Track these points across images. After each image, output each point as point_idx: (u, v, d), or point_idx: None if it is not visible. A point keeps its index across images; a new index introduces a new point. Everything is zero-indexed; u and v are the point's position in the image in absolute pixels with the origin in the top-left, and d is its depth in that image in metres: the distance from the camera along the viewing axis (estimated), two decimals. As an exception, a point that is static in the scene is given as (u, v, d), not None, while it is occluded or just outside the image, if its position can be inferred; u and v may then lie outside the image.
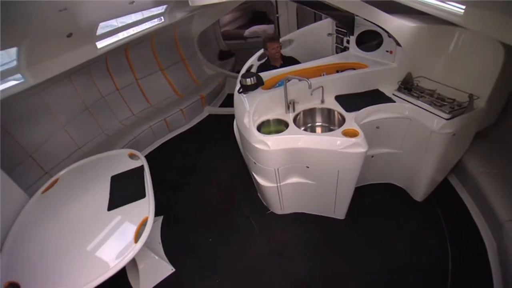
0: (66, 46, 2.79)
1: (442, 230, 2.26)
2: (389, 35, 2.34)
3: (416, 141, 2.24)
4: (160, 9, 3.81)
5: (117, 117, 3.94)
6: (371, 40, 2.64)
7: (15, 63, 2.45)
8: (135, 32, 3.72)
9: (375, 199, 2.59)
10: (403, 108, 2.21)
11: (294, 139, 2.01)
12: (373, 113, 2.22)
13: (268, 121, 2.32)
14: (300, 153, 2.03)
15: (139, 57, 4.17)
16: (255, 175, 2.40)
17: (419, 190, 2.50)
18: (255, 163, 2.25)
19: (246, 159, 2.54)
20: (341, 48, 3.19)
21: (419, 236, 2.27)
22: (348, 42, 2.94)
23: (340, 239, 2.35)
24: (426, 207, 2.49)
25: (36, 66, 2.58)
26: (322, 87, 2.25)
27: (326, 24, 3.28)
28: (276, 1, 4.86)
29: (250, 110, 2.18)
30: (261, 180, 2.33)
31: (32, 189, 2.72)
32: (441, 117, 2.01)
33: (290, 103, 2.28)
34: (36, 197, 2.19)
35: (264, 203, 2.74)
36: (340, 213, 2.45)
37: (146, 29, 3.83)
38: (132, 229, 1.70)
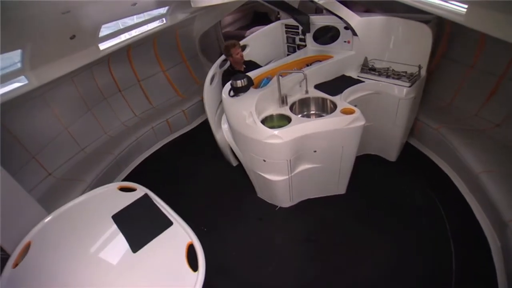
0: (69, 48, 2.81)
1: (445, 229, 2.26)
2: (346, 28, 2.78)
3: (387, 111, 2.67)
4: (162, 10, 3.82)
5: (119, 118, 3.95)
6: (323, 35, 3.07)
7: (18, 65, 2.47)
8: (137, 33, 3.74)
9: (361, 169, 2.70)
10: (373, 85, 2.63)
11: (303, 127, 2.15)
12: (352, 93, 2.56)
13: (270, 116, 2.41)
14: (309, 139, 2.17)
15: (141, 59, 4.19)
16: (263, 174, 2.42)
17: (393, 152, 3.00)
18: (264, 161, 2.29)
19: (249, 161, 2.53)
20: (293, 47, 3.52)
21: (423, 237, 2.26)
22: (300, 40, 3.39)
23: (351, 213, 2.54)
24: (401, 163, 3.01)
25: (40, 68, 2.60)
26: (305, 79, 2.43)
27: (276, 27, 3.52)
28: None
29: (252, 110, 2.20)
30: (271, 176, 2.38)
31: (36, 191, 2.74)
32: (404, 86, 2.51)
33: (283, 97, 2.42)
34: (6, 276, 1.46)
35: (269, 201, 2.75)
36: (342, 188, 2.69)
37: (148, 30, 3.84)
38: (180, 260, 1.42)
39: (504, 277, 1.85)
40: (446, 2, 2.30)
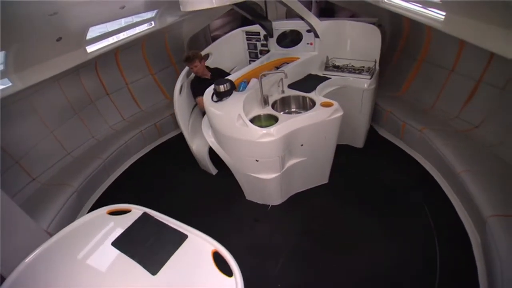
0: (56, 50, 2.76)
1: (430, 228, 2.33)
2: (308, 31, 3.05)
3: (353, 102, 2.94)
4: (151, 13, 3.81)
5: (107, 122, 3.89)
6: (286, 39, 3.33)
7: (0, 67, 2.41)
8: (125, 36, 3.71)
9: (336, 158, 2.79)
10: (339, 80, 2.94)
11: (291, 123, 2.27)
12: (323, 89, 2.79)
13: (258, 117, 2.49)
14: (297, 133, 2.30)
15: (130, 62, 4.15)
16: (255, 175, 2.46)
17: (360, 139, 3.29)
18: (257, 161, 2.34)
19: (239, 164, 2.54)
20: (255, 53, 3.72)
21: (409, 235, 2.34)
22: (262, 45, 3.61)
23: (337, 200, 2.73)
24: (369, 149, 3.33)
25: (25, 70, 2.54)
26: (282, 79, 2.65)
27: (236, 34, 3.69)
28: (266, 6, 4.94)
29: (241, 112, 2.24)
30: (264, 175, 2.44)
31: (19, 197, 2.66)
32: (366, 79, 2.86)
33: (265, 97, 2.54)
34: None
35: (260, 202, 2.78)
36: (325, 178, 2.88)
37: (137, 33, 3.82)
38: (211, 270, 1.32)
39: (484, 271, 1.93)
40: (426, 9, 2.42)
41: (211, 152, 2.94)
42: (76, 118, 3.48)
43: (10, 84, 2.46)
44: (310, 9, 6.24)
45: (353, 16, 6.21)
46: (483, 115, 2.78)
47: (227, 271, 1.28)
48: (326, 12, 6.29)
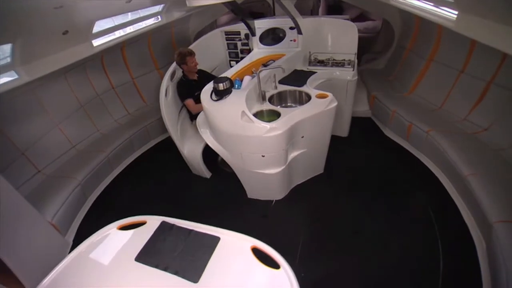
0: (62, 44, 2.77)
1: (434, 230, 2.30)
2: (291, 28, 3.17)
3: (339, 93, 3.04)
4: (157, 8, 3.80)
5: (113, 116, 3.91)
6: (268, 37, 3.41)
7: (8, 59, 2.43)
8: (131, 30, 3.70)
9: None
10: (325, 74, 3.10)
11: (293, 116, 2.34)
12: (312, 83, 2.89)
13: (260, 113, 2.55)
14: (299, 125, 2.38)
15: (136, 56, 4.15)
16: (260, 171, 2.47)
17: (345, 128, 3.48)
18: (263, 156, 2.36)
19: (243, 162, 2.52)
20: (235, 52, 3.79)
21: (412, 235, 2.31)
22: (243, 45, 3.70)
23: (335, 188, 2.86)
24: (353, 138, 3.53)
25: (31, 63, 2.55)
26: (275, 74, 2.77)
27: (215, 35, 3.71)
28: (273, 2, 4.89)
29: (245, 109, 2.23)
30: (269, 170, 2.48)
31: (24, 188, 2.70)
32: (349, 71, 3.07)
33: (263, 93, 2.60)
34: None
35: (263, 198, 2.78)
36: (321, 168, 3.00)
37: (143, 28, 3.81)
38: (256, 266, 1.26)
39: (488, 277, 1.90)
40: (438, 8, 2.36)
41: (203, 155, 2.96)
42: (81, 111, 3.51)
43: (17, 76, 2.48)
44: (318, 6, 6.17)
45: (360, 15, 6.10)
46: (493, 117, 2.72)
47: (272, 264, 1.25)
48: (335, 9, 6.20)
